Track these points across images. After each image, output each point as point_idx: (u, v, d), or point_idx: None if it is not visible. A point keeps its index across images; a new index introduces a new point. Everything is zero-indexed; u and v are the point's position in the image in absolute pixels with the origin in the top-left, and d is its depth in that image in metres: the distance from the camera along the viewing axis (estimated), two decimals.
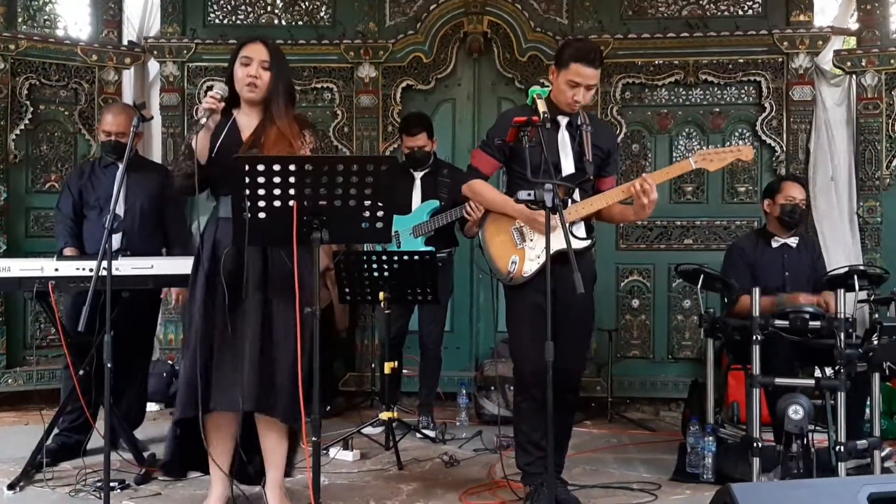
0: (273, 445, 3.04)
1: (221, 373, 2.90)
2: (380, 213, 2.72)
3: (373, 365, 5.46)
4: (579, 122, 3.16)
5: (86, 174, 4.16)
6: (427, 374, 4.80)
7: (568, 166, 3.21)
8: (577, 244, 2.90)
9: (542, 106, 2.94)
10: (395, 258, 4.08)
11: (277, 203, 2.63)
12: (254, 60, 3.00)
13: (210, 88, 2.98)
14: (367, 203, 2.68)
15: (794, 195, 4.18)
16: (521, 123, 2.91)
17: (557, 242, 2.93)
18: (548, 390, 2.67)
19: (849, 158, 5.39)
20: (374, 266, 4.10)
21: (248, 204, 2.62)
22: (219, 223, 3.01)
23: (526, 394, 3.28)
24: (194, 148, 2.86)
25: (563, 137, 3.24)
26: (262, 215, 2.65)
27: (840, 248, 5.28)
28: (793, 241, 4.21)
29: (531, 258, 3.23)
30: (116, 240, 3.78)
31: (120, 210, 3.89)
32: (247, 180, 2.60)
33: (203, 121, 2.85)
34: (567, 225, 2.83)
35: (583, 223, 3.29)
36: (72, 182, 4.19)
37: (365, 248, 4.34)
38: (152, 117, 3.78)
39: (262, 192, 2.62)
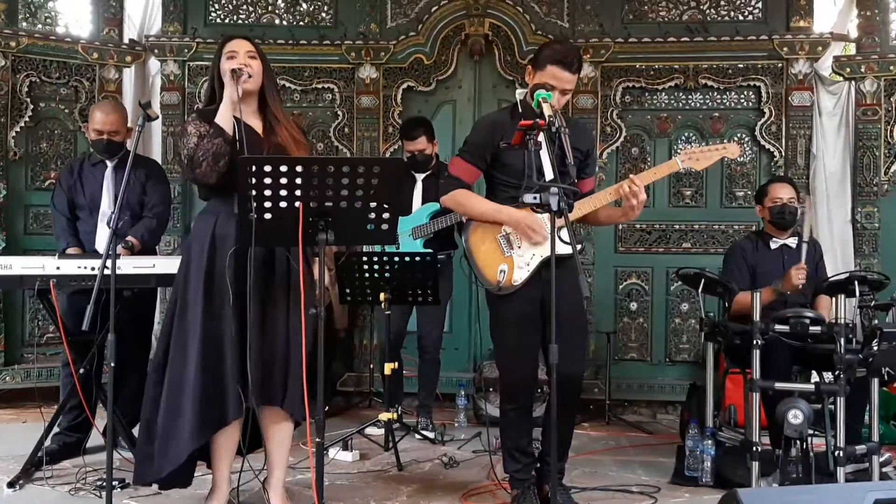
0: (277, 444, 3.06)
1: (227, 379, 2.88)
2: (385, 215, 2.74)
3: (371, 365, 5.47)
4: (557, 125, 2.95)
5: (75, 172, 4.10)
6: (426, 375, 4.81)
7: (549, 171, 3.08)
8: (567, 248, 2.85)
9: (547, 110, 2.91)
10: (396, 259, 4.09)
11: (283, 204, 2.63)
12: (239, 52, 2.99)
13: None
14: (373, 205, 2.70)
15: (781, 195, 4.18)
16: (527, 127, 2.84)
17: (546, 249, 2.84)
18: (552, 393, 2.67)
19: (847, 164, 5.42)
20: (375, 267, 4.10)
21: (255, 205, 2.62)
22: (218, 217, 2.95)
23: (513, 402, 3.27)
24: (221, 125, 2.86)
25: (542, 141, 3.05)
26: (267, 216, 2.65)
27: (838, 253, 5.30)
28: (792, 242, 4.22)
29: (520, 266, 3.17)
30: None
31: (111, 208, 3.88)
32: (253, 181, 2.60)
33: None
34: (569, 228, 2.78)
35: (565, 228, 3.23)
36: (63, 179, 4.14)
37: (365, 249, 4.34)
38: (157, 117, 3.75)
39: (268, 192, 2.62)
